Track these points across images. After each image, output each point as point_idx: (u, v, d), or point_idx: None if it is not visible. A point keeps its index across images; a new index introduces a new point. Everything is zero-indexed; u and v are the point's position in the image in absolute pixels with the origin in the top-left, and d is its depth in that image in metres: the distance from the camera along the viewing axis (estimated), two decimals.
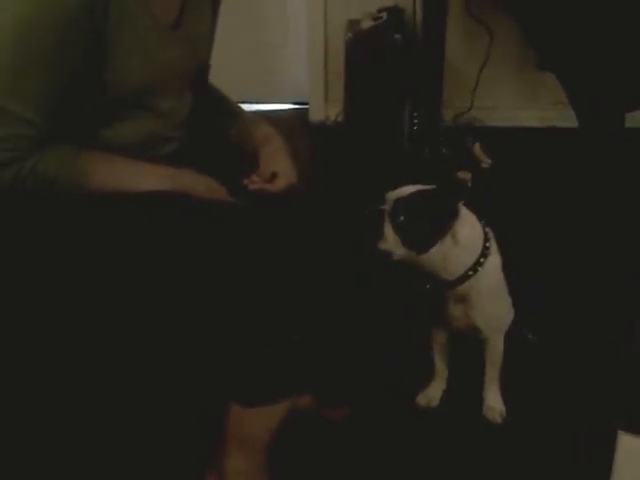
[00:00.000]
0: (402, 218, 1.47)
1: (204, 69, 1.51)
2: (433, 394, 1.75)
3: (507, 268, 1.61)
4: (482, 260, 1.55)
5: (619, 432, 1.26)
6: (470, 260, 1.55)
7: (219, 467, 1.39)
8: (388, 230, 1.48)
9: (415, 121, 3.04)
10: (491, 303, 1.61)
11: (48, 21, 1.16)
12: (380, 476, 1.55)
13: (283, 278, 1.23)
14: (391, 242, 1.48)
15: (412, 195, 1.50)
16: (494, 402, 1.70)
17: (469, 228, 1.55)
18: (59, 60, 1.18)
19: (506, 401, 1.71)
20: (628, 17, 2.43)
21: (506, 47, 3.27)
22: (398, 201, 1.49)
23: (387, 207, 1.50)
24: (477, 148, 3.04)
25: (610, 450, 1.27)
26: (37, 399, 1.50)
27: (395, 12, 3.05)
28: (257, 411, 1.28)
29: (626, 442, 1.26)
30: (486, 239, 1.57)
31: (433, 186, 1.52)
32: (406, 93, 3.01)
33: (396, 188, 1.52)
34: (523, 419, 1.69)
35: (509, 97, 3.46)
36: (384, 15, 3.00)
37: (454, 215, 1.51)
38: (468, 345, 1.71)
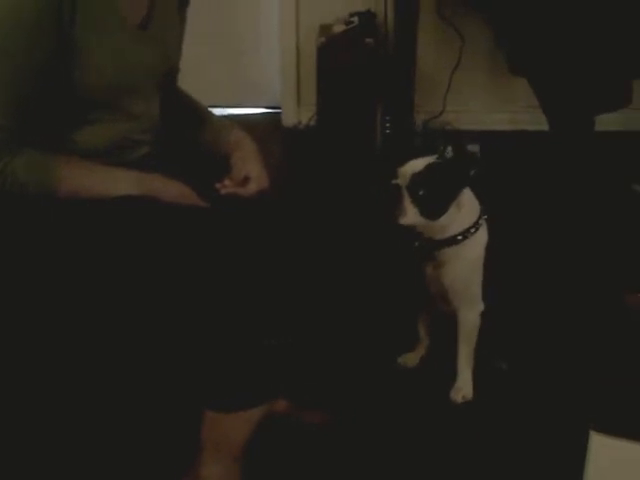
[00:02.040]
0: (422, 192, 1.55)
1: (173, 72, 1.51)
2: (413, 357, 1.87)
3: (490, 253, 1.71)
4: (473, 230, 1.67)
5: (591, 432, 1.27)
6: (464, 226, 1.66)
7: (194, 473, 1.38)
8: (408, 204, 1.56)
9: (387, 125, 3.05)
10: (465, 273, 1.69)
11: (12, 24, 1.15)
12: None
13: (255, 282, 1.22)
14: (411, 215, 1.57)
15: (428, 168, 1.57)
16: (462, 383, 1.75)
17: (469, 198, 1.67)
18: (26, 63, 1.18)
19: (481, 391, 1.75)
20: (597, 21, 2.46)
21: (477, 51, 3.29)
22: (415, 175, 1.56)
23: (403, 182, 1.56)
24: (449, 152, 3.05)
25: (582, 449, 1.29)
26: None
27: (367, 16, 3.06)
28: (232, 417, 1.28)
29: (597, 441, 1.27)
30: (480, 215, 1.69)
31: (437, 158, 1.61)
32: (378, 97, 3.02)
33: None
34: (497, 416, 1.70)
35: (480, 101, 3.48)
36: (356, 19, 3.01)
37: (465, 184, 1.63)
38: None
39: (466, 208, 1.66)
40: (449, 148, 3.05)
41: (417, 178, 1.56)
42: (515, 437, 1.64)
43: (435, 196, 1.58)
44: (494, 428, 1.67)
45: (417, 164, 1.59)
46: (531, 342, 1.90)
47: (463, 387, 1.75)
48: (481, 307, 1.73)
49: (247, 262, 1.22)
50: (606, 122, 2.75)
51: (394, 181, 1.58)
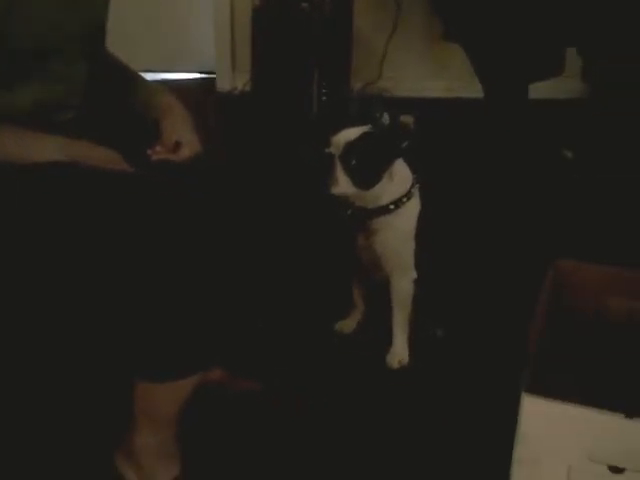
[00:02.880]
0: (354, 161, 1.55)
1: (100, 34, 1.45)
2: (349, 323, 1.88)
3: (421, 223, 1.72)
4: (405, 199, 1.67)
5: (522, 394, 1.29)
6: (396, 195, 1.67)
7: (128, 444, 1.37)
8: (340, 174, 1.56)
9: (323, 91, 3.03)
10: (396, 242, 1.71)
11: None
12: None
13: (186, 250, 1.19)
14: (343, 185, 1.57)
15: (361, 138, 1.57)
16: (398, 348, 1.78)
17: (402, 167, 1.68)
18: None
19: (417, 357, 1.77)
20: None
21: (413, 17, 3.29)
22: (348, 145, 1.55)
23: (336, 151, 1.56)
24: (385, 119, 3.05)
25: (514, 411, 1.31)
26: None
27: None
28: (164, 387, 1.25)
29: (529, 403, 1.30)
30: (413, 184, 1.69)
31: (373, 126, 1.61)
32: (314, 62, 3.00)
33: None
34: (432, 381, 1.73)
35: (417, 68, 3.49)
36: None
37: (399, 155, 1.64)
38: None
39: (398, 177, 1.67)
40: (385, 115, 3.08)
41: (350, 147, 1.56)
42: (450, 401, 1.66)
43: (368, 166, 1.58)
44: (429, 392, 1.69)
45: (350, 133, 1.58)
46: (466, 309, 1.93)
47: (399, 352, 1.77)
48: (414, 275, 1.75)
49: (176, 229, 1.19)
50: (539, 90, 2.78)
51: (327, 150, 1.57)
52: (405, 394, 1.69)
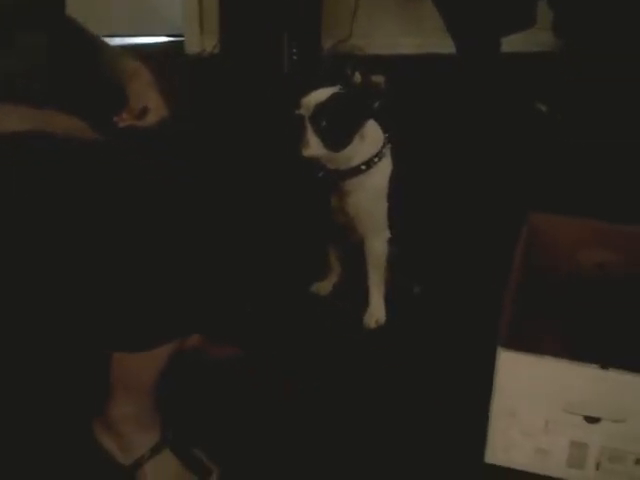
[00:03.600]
0: (324, 123, 1.53)
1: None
2: (325, 285, 1.88)
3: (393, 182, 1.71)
4: (376, 160, 1.66)
5: (498, 348, 1.30)
6: (367, 155, 1.65)
7: (106, 414, 1.36)
8: (311, 136, 1.54)
9: (294, 50, 2.99)
10: (369, 203, 1.69)
11: None
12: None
13: (155, 215, 1.17)
14: (314, 147, 1.55)
15: (331, 99, 1.55)
16: (374, 308, 1.78)
17: (373, 127, 1.66)
18: None
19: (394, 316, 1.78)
20: None
21: None
22: (318, 106, 1.53)
23: (306, 113, 1.54)
24: (357, 77, 3.02)
25: (491, 366, 1.33)
26: None
27: None
28: (139, 356, 1.24)
29: (505, 357, 1.31)
30: (384, 144, 1.68)
31: (343, 87, 1.60)
32: (284, 22, 2.95)
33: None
34: (410, 339, 1.73)
35: (388, 25, 3.45)
36: None
37: (370, 115, 1.62)
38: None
39: (370, 138, 1.65)
40: (357, 74, 3.04)
41: (320, 108, 1.54)
42: (428, 358, 1.67)
43: (339, 127, 1.57)
44: (407, 350, 1.70)
45: (321, 94, 1.56)
46: (442, 264, 1.93)
47: (375, 312, 1.78)
48: (387, 234, 1.74)
49: (144, 195, 1.17)
50: (511, 43, 2.77)
51: (297, 112, 1.55)
52: (383, 353, 1.70)
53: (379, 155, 1.67)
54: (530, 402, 1.33)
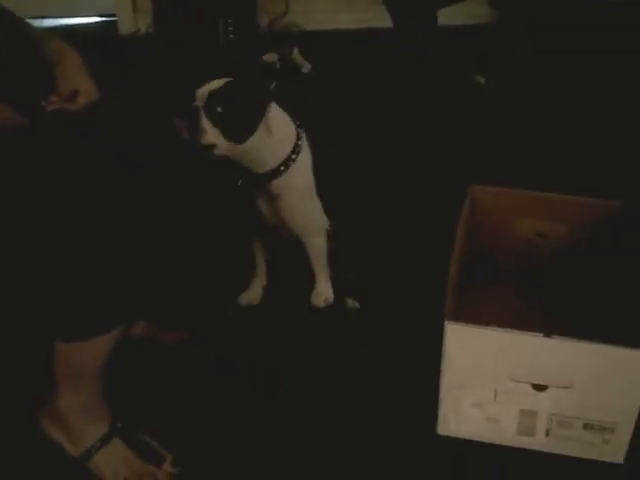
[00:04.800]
0: (219, 109, 1.48)
1: None
2: (254, 293, 1.80)
3: (319, 174, 1.65)
4: (294, 156, 1.59)
5: (445, 322, 1.31)
6: (283, 154, 1.58)
7: (52, 405, 1.33)
8: (207, 124, 1.48)
9: (230, 29, 2.94)
10: (300, 203, 1.64)
11: None
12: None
13: (95, 203, 1.14)
14: (212, 135, 1.49)
15: (224, 86, 1.51)
16: (321, 289, 1.76)
17: (281, 120, 1.58)
18: None
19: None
20: None
21: None
22: (211, 94, 1.49)
23: (200, 103, 1.49)
24: (296, 53, 2.99)
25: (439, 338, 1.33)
26: None
27: None
28: (81, 345, 1.22)
29: (452, 330, 1.31)
30: (298, 137, 1.61)
31: (238, 77, 1.53)
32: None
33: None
34: (359, 317, 1.73)
35: (325, 0, 3.42)
36: None
37: (268, 99, 1.54)
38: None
39: (280, 133, 1.57)
40: (295, 50, 3.01)
41: (213, 96, 1.48)
42: (379, 335, 1.67)
43: (235, 114, 1.50)
44: (359, 329, 1.70)
45: (215, 84, 1.51)
46: (387, 244, 1.92)
47: (323, 291, 1.76)
48: (325, 228, 1.70)
49: (79, 182, 1.14)
50: (447, 16, 2.77)
51: (193, 104, 1.49)
52: (334, 333, 1.69)
53: (295, 150, 1.60)
54: (478, 373, 1.34)
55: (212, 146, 1.49)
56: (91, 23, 3.37)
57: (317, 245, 1.72)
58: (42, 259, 1.14)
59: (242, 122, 1.52)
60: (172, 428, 1.43)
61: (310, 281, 1.77)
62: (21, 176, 1.13)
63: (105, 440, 1.34)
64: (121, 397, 1.40)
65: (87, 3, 3.40)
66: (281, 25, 3.22)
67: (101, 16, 3.39)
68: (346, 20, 3.38)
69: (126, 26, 3.26)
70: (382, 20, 2.85)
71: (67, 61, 1.37)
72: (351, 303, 1.78)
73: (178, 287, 1.58)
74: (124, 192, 1.18)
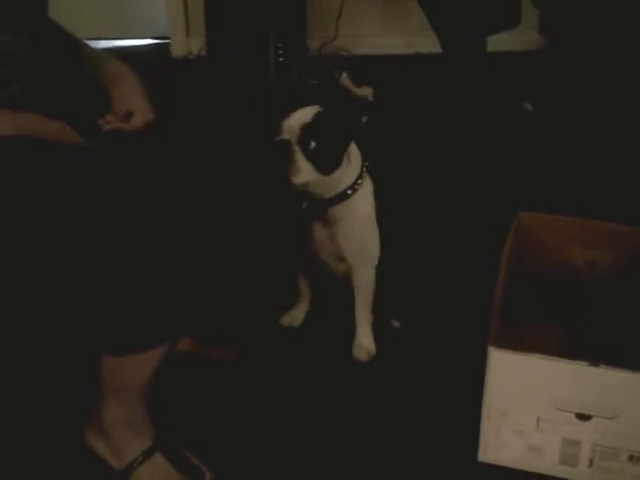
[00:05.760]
0: (314, 145, 1.42)
1: (41, 2, 1.40)
2: (296, 314, 1.78)
3: (380, 200, 1.62)
4: (360, 181, 1.56)
5: (489, 347, 1.30)
6: (351, 179, 1.55)
7: (97, 418, 1.35)
8: (301, 160, 1.42)
9: (280, 52, 2.98)
10: (361, 228, 1.60)
11: None
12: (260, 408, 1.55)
13: (146, 220, 1.17)
14: (305, 172, 1.43)
15: (317, 118, 1.44)
16: (363, 340, 1.69)
17: (354, 147, 1.55)
18: None
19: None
20: None
21: None
22: (304, 128, 1.42)
23: (291, 137, 1.43)
24: (345, 78, 3.01)
25: (483, 366, 1.32)
26: None
27: None
28: (129, 359, 1.24)
29: (495, 356, 1.31)
30: (362, 163, 1.58)
31: (321, 107, 1.46)
32: (270, 23, 2.94)
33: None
34: (401, 340, 1.72)
35: (374, 25, 3.45)
36: None
37: (357, 132, 1.50)
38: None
39: (355, 158, 1.54)
40: (344, 75, 3.03)
41: (307, 130, 1.42)
42: (421, 360, 1.66)
43: (328, 148, 1.45)
44: (401, 352, 1.69)
45: (303, 115, 1.44)
46: (434, 268, 1.91)
47: (366, 344, 1.68)
48: (377, 260, 1.64)
49: (133, 201, 1.17)
50: (496, 43, 2.77)
51: (280, 137, 1.43)
52: (377, 355, 1.68)
53: (361, 175, 1.56)
54: (521, 400, 1.33)
55: (304, 184, 1.45)
56: (143, 45, 3.44)
57: (366, 279, 1.65)
58: (96, 271, 1.17)
59: (333, 155, 1.48)
60: (213, 444, 1.44)
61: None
62: (93, 198, 1.16)
63: (147, 454, 1.35)
64: (164, 412, 1.42)
65: (141, 26, 3.48)
66: (330, 49, 3.26)
67: (154, 38, 3.47)
68: (395, 45, 3.40)
69: (179, 49, 3.33)
70: (431, 45, 2.86)
71: (124, 82, 1.40)
72: (394, 323, 1.76)
73: (226, 303, 1.60)
74: (182, 210, 1.21)
